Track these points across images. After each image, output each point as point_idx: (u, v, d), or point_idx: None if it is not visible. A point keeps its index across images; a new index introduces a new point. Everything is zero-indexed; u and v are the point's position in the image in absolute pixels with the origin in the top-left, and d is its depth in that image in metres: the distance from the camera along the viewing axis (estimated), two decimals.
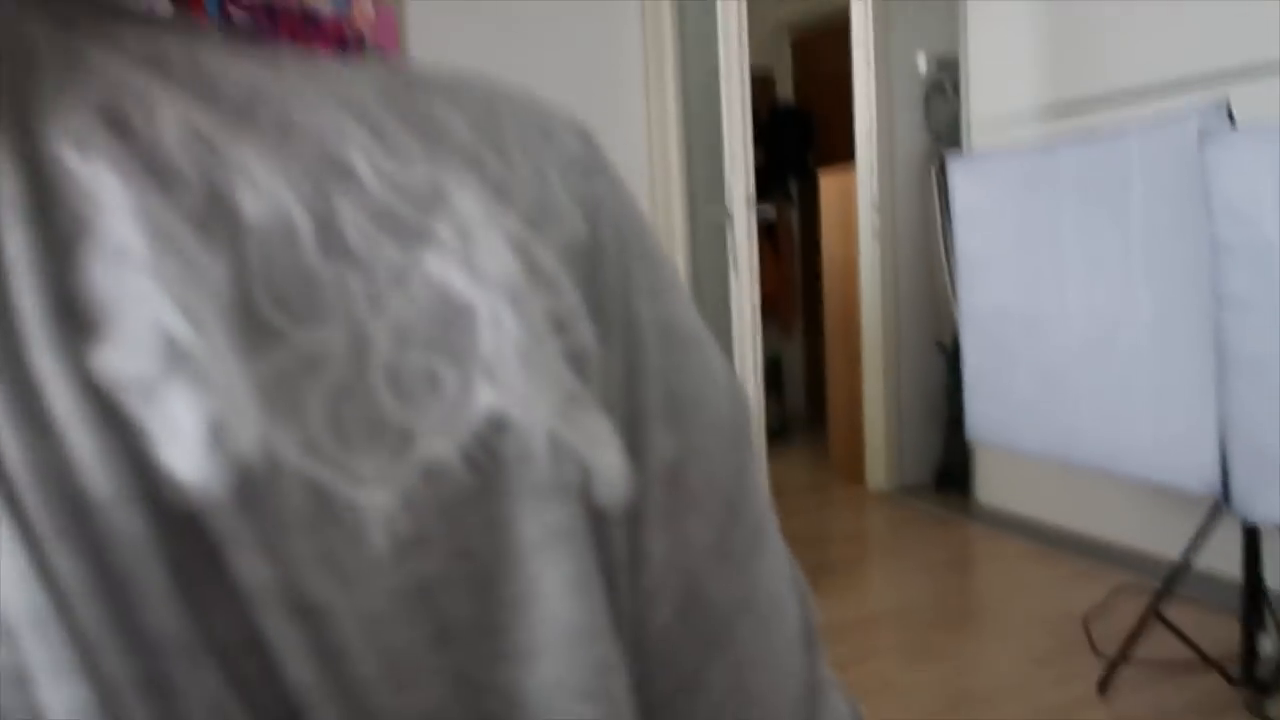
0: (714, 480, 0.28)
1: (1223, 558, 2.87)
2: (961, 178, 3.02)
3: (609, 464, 0.24)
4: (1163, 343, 2.39)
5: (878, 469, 4.52)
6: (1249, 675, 2.50)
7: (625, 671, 0.24)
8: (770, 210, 5.17)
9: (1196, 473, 2.32)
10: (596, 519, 0.24)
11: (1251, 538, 2.47)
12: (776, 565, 0.31)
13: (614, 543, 0.25)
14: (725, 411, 0.29)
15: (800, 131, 5.81)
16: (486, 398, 0.23)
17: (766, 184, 5.58)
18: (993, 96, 3.79)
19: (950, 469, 4.33)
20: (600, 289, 0.26)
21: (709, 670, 0.28)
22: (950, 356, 3.98)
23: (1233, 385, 2.20)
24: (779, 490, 4.50)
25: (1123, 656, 2.58)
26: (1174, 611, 2.67)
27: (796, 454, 5.39)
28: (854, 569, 3.53)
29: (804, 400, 6.24)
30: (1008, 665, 2.75)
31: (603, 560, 0.25)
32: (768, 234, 5.90)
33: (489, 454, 0.23)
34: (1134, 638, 2.58)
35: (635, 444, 0.26)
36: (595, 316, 0.26)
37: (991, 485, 3.96)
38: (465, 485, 0.23)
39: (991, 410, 2.86)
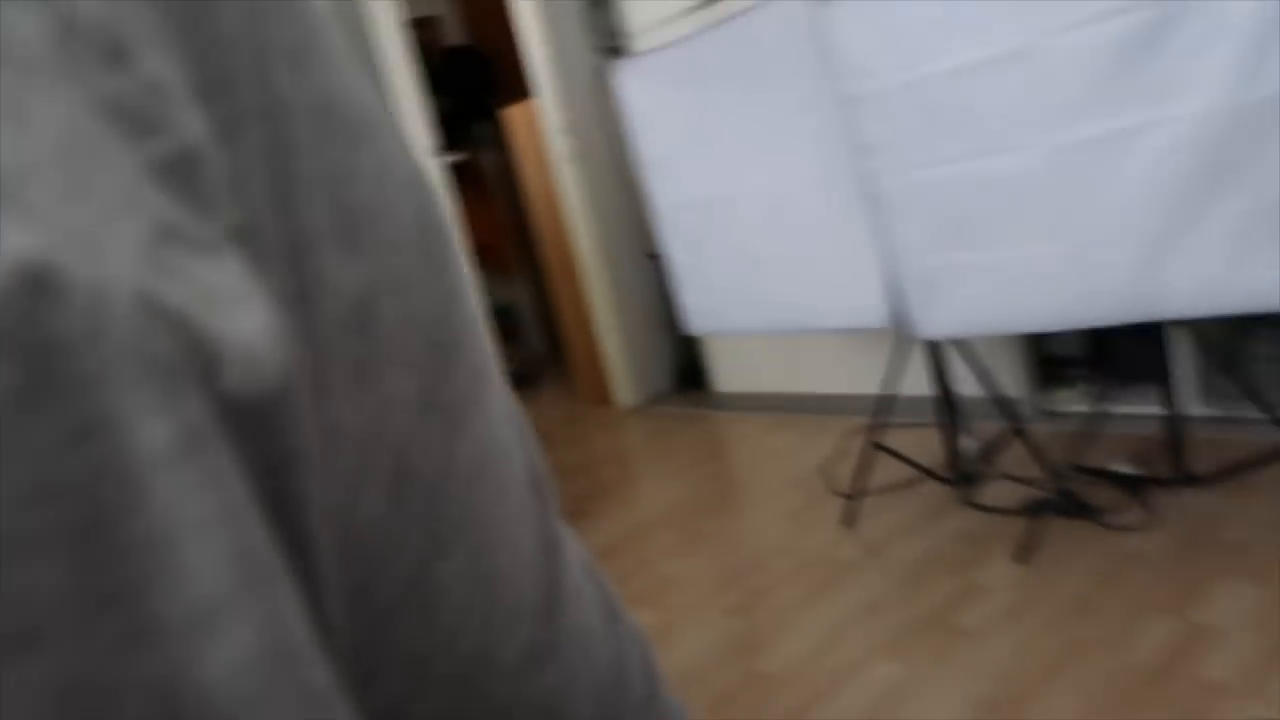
0: (414, 315, 0.22)
1: (921, 382, 3.25)
2: (626, 83, 3.10)
3: (242, 330, 0.16)
4: (827, 200, 2.61)
5: (623, 387, 4.67)
6: (958, 474, 2.83)
7: (321, 637, 0.18)
8: (458, 157, 5.09)
9: (874, 310, 2.58)
10: (241, 411, 0.17)
11: (935, 355, 2.77)
12: (499, 409, 0.26)
13: (281, 432, 0.18)
14: (416, 220, 0.22)
15: (480, 72, 5.74)
16: (13, 240, 0.14)
17: (458, 131, 5.50)
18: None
19: (688, 370, 4.55)
20: (214, 52, 0.18)
21: (440, 560, 0.23)
22: (661, 262, 4.11)
23: (884, 223, 2.45)
24: (535, 433, 4.55)
25: (857, 491, 2.84)
26: (893, 438, 2.97)
27: (546, 396, 5.44)
28: (619, 486, 3.64)
29: (545, 342, 6.30)
30: (768, 529, 2.96)
31: (266, 461, 0.17)
32: (471, 183, 5.84)
33: (32, 330, 0.14)
34: (862, 472, 2.84)
35: (300, 282, 0.19)
36: (207, 96, 0.18)
37: (725, 374, 4.19)
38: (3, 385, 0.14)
39: (700, 301, 3.02)
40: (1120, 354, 2.87)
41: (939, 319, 2.43)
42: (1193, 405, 2.73)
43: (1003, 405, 2.69)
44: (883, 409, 2.81)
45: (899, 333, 2.66)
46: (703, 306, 3.02)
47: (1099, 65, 1.95)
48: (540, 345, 6.31)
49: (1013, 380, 3.07)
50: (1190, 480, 2.45)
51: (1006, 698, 1.89)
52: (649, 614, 2.60)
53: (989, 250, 2.25)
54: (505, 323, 5.92)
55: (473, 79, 5.67)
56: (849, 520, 2.81)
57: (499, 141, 5.37)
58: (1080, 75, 1.98)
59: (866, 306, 2.58)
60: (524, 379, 5.84)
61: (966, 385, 3.02)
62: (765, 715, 2.03)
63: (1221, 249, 1.88)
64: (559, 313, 4.91)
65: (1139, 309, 2.06)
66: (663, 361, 4.69)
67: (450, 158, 3.21)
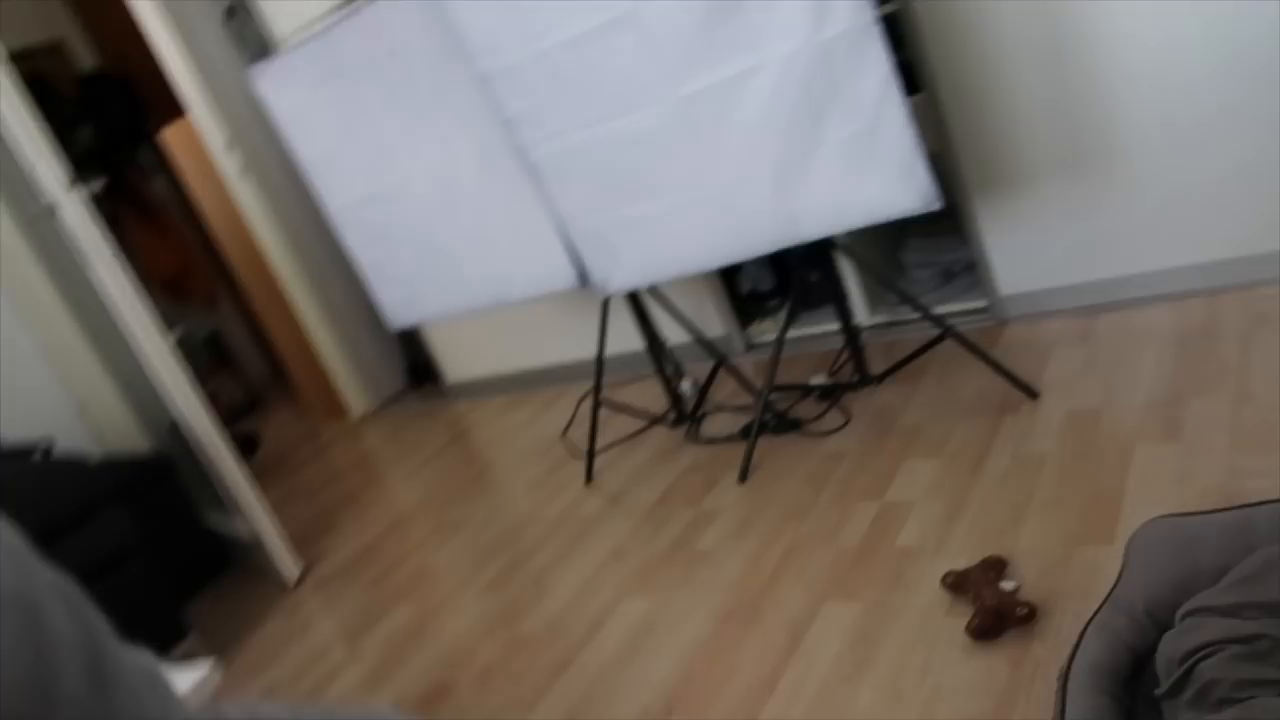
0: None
1: (634, 336, 3.39)
2: (268, 87, 2.96)
3: None
4: (490, 177, 2.66)
5: (353, 395, 4.57)
6: (680, 415, 3.00)
7: None
8: (99, 184, 4.70)
9: (563, 273, 2.67)
10: None
11: (637, 308, 2.92)
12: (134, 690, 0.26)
13: None
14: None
15: (122, 97, 5.32)
16: None
17: (115, 159, 5.10)
18: (287, 2, 3.75)
19: (417, 366, 4.51)
20: None
21: None
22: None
23: (550, 191, 2.55)
24: (273, 460, 4.38)
25: (592, 450, 2.94)
26: (619, 394, 3.09)
27: (276, 418, 5.23)
28: (365, 492, 3.57)
29: (264, 365, 6.02)
30: (517, 503, 3.00)
31: None
32: (143, 213, 5.43)
33: None
34: (593, 432, 2.95)
35: None
36: None
37: (453, 364, 4.17)
38: None
39: (396, 295, 2.99)
40: (801, 284, 3.16)
41: (619, 273, 2.55)
42: (864, 315, 3.06)
43: (709, 345, 2.88)
44: (600, 369, 2.93)
45: (591, 292, 2.77)
46: (400, 300, 2.99)
47: (692, 24, 2.13)
48: (260, 368, 6.01)
49: (715, 321, 3.28)
50: (871, 380, 2.75)
51: (743, 602, 2.06)
52: (410, 608, 2.59)
53: (645, 203, 2.41)
54: (216, 352, 5.59)
55: (116, 104, 5.25)
56: (589, 476, 2.91)
57: (165, 166, 5.02)
58: (679, 34, 2.16)
59: (555, 271, 2.65)
60: (249, 407, 5.55)
61: (675, 333, 3.23)
62: (532, 674, 2.10)
63: (835, 173, 2.13)
64: (272, 333, 4.70)
65: (782, 237, 2.29)
66: (389, 362, 4.62)
67: (90, 185, 2.95)
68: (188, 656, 2.59)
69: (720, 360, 2.86)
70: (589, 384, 3.53)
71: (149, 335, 2.75)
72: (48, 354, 3.32)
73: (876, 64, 2.00)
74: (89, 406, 3.40)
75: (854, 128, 2.06)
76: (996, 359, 2.45)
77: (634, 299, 2.88)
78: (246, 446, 4.00)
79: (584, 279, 2.65)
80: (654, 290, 2.86)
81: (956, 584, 1.85)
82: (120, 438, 3.43)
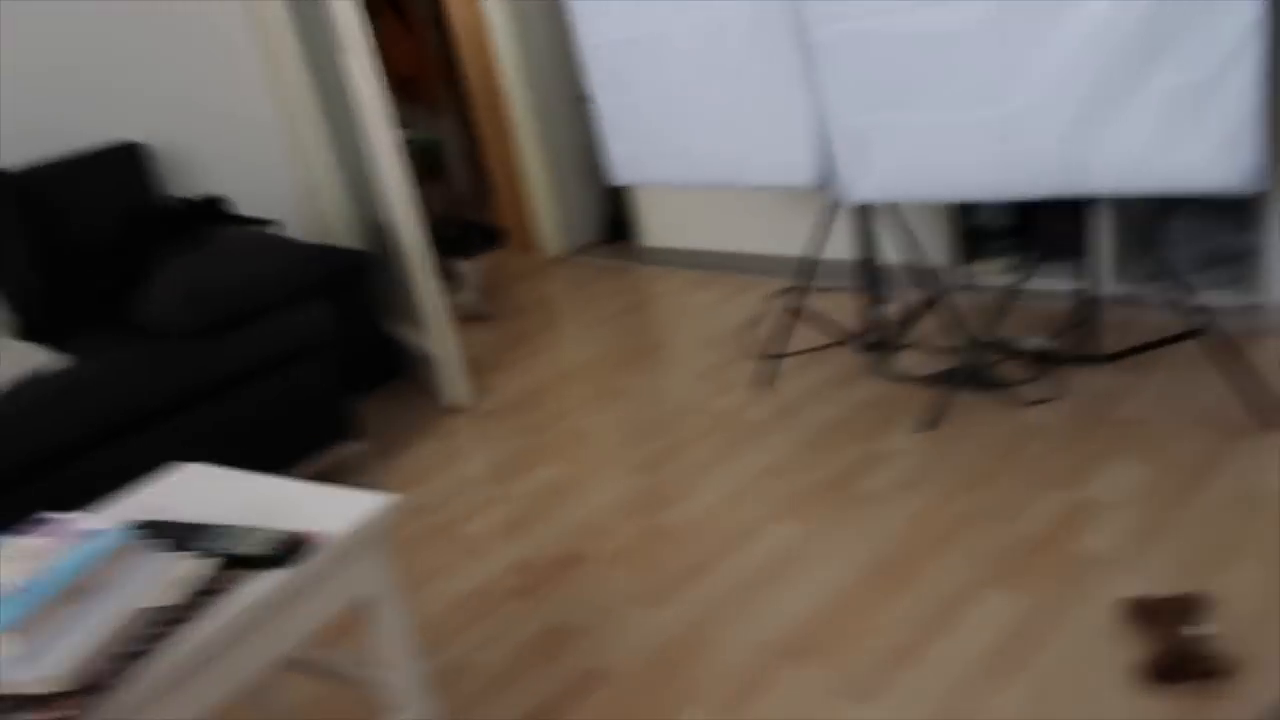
0: None
1: (846, 246, 3.20)
2: None
3: None
4: (757, 50, 2.46)
5: (549, 235, 4.54)
6: (873, 341, 2.80)
7: None
8: None
9: (802, 169, 2.48)
10: None
11: (862, 220, 2.70)
12: None
13: None
14: None
15: None
16: None
17: None
18: None
19: (616, 221, 4.47)
20: None
21: None
22: (590, 107, 3.88)
23: (820, 78, 2.33)
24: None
25: (773, 354, 2.79)
26: (813, 302, 2.91)
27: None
28: (544, 335, 3.58)
29: (470, 183, 6.08)
30: (682, 388, 2.92)
31: None
32: (393, 10, 5.48)
33: None
34: (778, 335, 2.79)
35: None
36: None
37: (653, 228, 4.09)
38: None
39: (626, 149, 2.88)
40: (1042, 228, 2.85)
41: (867, 182, 2.35)
42: (1107, 283, 2.75)
43: (924, 274, 2.65)
44: (805, 272, 2.74)
45: (826, 194, 2.57)
46: (629, 155, 2.88)
47: None
48: (465, 186, 6.09)
49: (937, 250, 3.05)
50: (1096, 357, 2.48)
51: (898, 560, 1.94)
52: (561, 467, 2.60)
53: (920, 112, 2.16)
54: (431, 161, 5.67)
55: None
56: (762, 383, 2.79)
57: None
58: None
59: (795, 164, 2.48)
60: (459, 238, 5.62)
61: (890, 252, 3.04)
62: (662, 571, 2.06)
63: (1149, 126, 1.83)
64: (487, 153, 4.71)
65: (1064, 184, 2.02)
66: (591, 211, 4.58)
67: None
68: (355, 456, 2.69)
69: (935, 294, 2.61)
70: (784, 281, 3.46)
71: (381, 131, 2.76)
72: (289, 134, 3.40)
73: (1242, 8, 1.67)
74: (317, 193, 3.48)
75: (1188, 78, 1.75)
76: (1250, 370, 2.14)
77: (861, 208, 2.67)
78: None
79: (825, 180, 2.44)
80: (890, 204, 2.62)
81: (1141, 611, 1.67)
82: (336, 231, 3.50)
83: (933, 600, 1.81)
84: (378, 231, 3.12)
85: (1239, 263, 2.61)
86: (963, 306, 2.88)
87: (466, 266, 3.88)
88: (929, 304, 2.71)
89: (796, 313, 2.76)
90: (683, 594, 1.97)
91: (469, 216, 5.23)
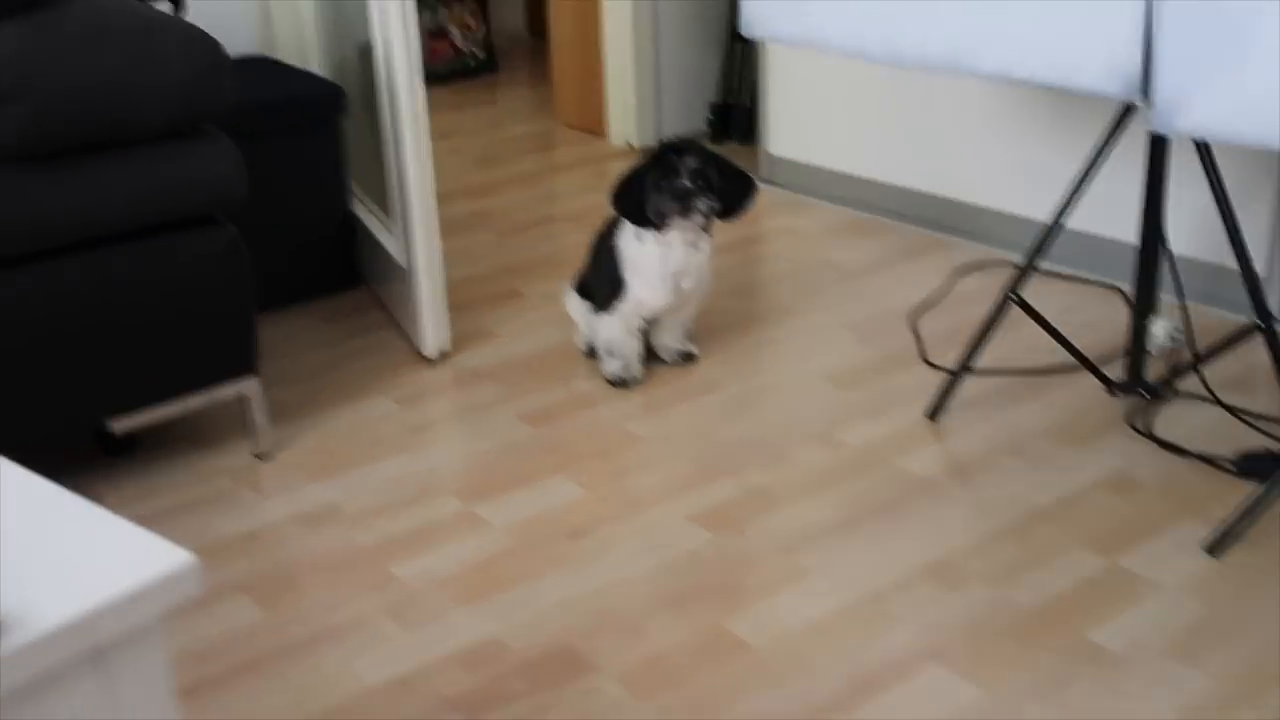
0: None
1: (1093, 218, 3.01)
2: None
3: None
4: None
5: (624, 116, 4.35)
6: (1135, 376, 2.47)
7: None
8: None
9: (1103, 64, 2.06)
10: None
11: (1156, 171, 2.29)
12: None
13: None
14: None
15: None
16: None
17: None
18: None
19: (731, 110, 4.32)
20: None
21: None
22: None
23: None
24: (478, 153, 4.22)
25: (960, 367, 2.47)
26: (1034, 292, 2.56)
27: (508, 93, 5.17)
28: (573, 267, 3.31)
29: (523, 18, 6.00)
30: (801, 394, 2.65)
31: None
32: None
33: None
34: (979, 338, 2.44)
35: None
36: None
37: (785, 129, 3.88)
38: None
39: None
40: None
41: (1205, 101, 1.91)
42: None
43: (1250, 286, 2.27)
44: (1042, 243, 2.39)
45: (1125, 113, 2.24)
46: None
47: None
48: (519, 21, 5.98)
49: (1257, 244, 2.75)
50: None
51: None
52: (577, 488, 2.30)
53: None
54: None
55: None
56: (935, 412, 2.50)
57: None
58: None
59: (1095, 55, 2.07)
60: (481, 67, 5.39)
61: (1186, 239, 2.76)
62: (729, 716, 1.67)
63: None
64: None
65: None
66: (696, 92, 4.40)
67: None
68: (255, 404, 2.42)
69: (1258, 321, 2.28)
70: (994, 253, 3.32)
71: None
72: None
73: None
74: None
75: None
76: None
77: (1157, 155, 2.28)
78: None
79: (1130, 87, 2.04)
80: (1207, 151, 2.23)
81: None
82: (295, 51, 3.40)
83: None
84: (366, 55, 2.91)
85: None
86: None
87: None
88: (1243, 334, 2.37)
89: (1014, 303, 2.42)
90: None
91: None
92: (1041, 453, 2.33)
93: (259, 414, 2.40)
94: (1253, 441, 2.31)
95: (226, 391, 2.38)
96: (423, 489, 2.31)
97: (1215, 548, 2.00)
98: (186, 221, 2.28)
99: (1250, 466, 2.21)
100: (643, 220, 2.51)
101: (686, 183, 2.49)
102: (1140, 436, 2.36)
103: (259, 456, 2.40)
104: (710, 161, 2.56)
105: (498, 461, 2.40)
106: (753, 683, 1.79)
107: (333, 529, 2.18)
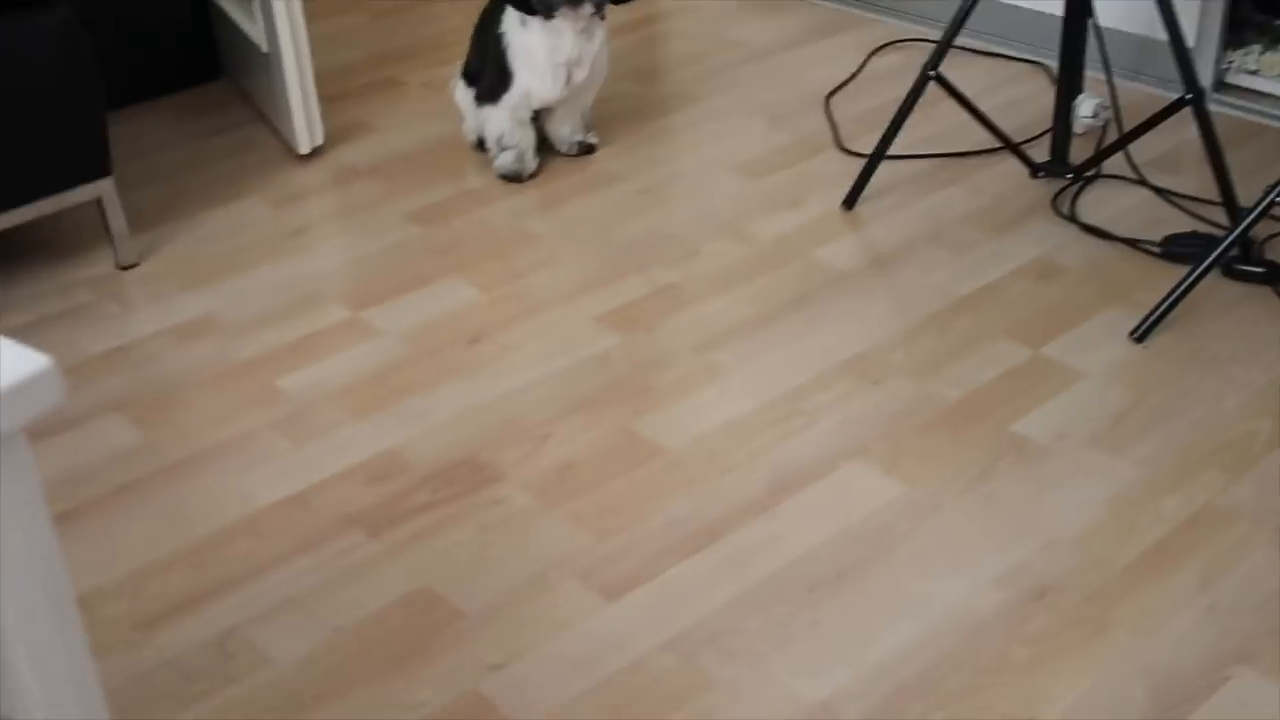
0: None
1: None
2: None
3: None
4: None
5: None
6: (1059, 157, 2.50)
7: None
8: None
9: None
10: None
11: None
12: None
13: None
14: None
15: None
16: None
17: None
18: None
19: None
20: None
21: None
22: None
23: None
24: None
25: (877, 153, 2.44)
26: (954, 68, 2.52)
27: None
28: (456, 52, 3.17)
29: None
30: (715, 186, 2.62)
31: None
32: None
33: None
34: (896, 120, 2.40)
35: None
36: None
37: None
38: None
39: None
40: None
41: None
42: None
43: (1179, 56, 2.26)
44: (962, 17, 2.36)
45: None
46: None
47: None
48: None
49: (1188, 22, 2.70)
50: None
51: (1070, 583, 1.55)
52: (471, 290, 2.27)
53: None
54: None
55: None
56: (852, 202, 2.48)
57: None
58: None
59: None
60: None
61: (1113, 9, 2.75)
62: (639, 520, 1.70)
63: None
64: None
65: None
66: None
67: None
68: (110, 209, 2.31)
69: (1191, 95, 2.26)
70: (903, 25, 3.27)
71: None
72: None
73: None
74: None
75: None
76: None
77: None
78: None
79: None
80: None
81: None
82: None
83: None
84: None
85: None
86: (1225, 125, 2.53)
87: None
88: (1172, 109, 2.36)
89: (934, 82, 2.39)
90: (666, 582, 1.64)
91: None
92: (963, 240, 2.35)
93: (117, 220, 2.29)
94: (1180, 224, 2.33)
95: (80, 195, 2.26)
96: (305, 297, 2.24)
97: (1141, 334, 2.03)
98: (10, 2, 2.13)
99: (1177, 249, 2.24)
100: (527, 6, 2.36)
101: None
102: (1065, 221, 2.38)
103: (122, 267, 2.30)
104: None
105: (385, 265, 2.33)
106: (668, 486, 1.80)
107: (209, 342, 2.11)
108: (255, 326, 2.15)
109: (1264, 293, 2.12)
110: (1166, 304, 2.03)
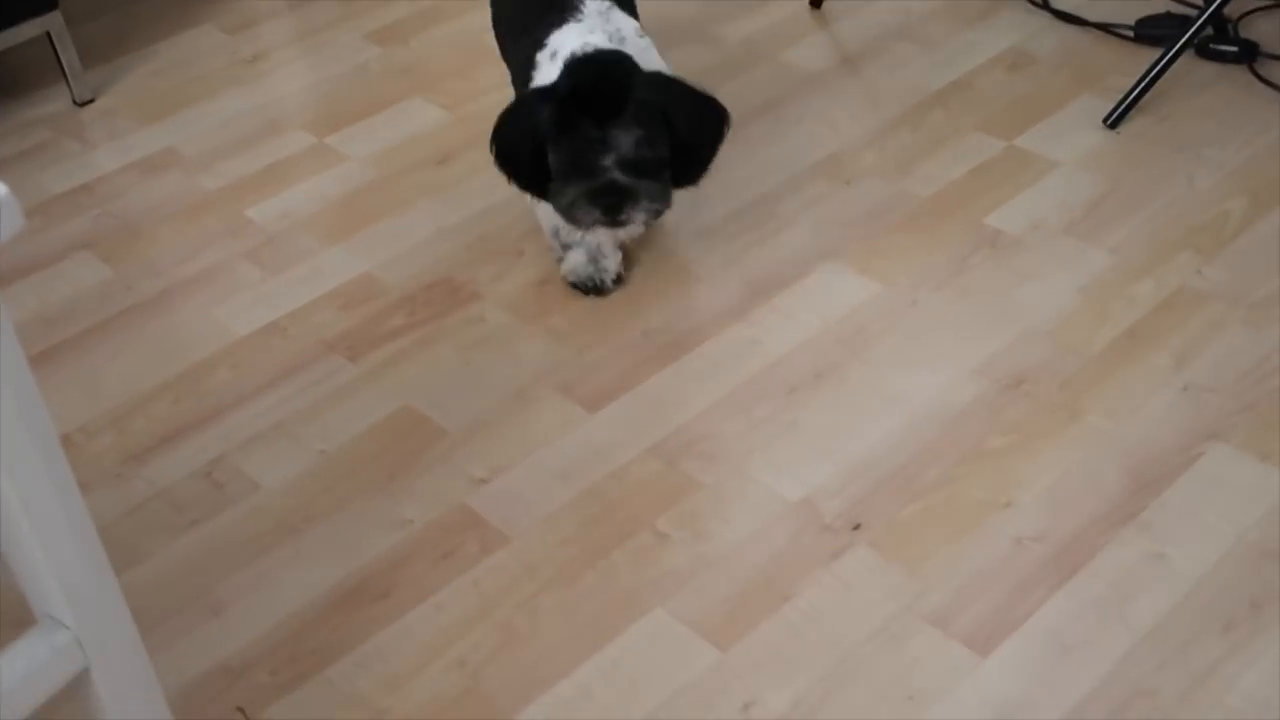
0: None
1: None
2: None
3: None
4: None
5: None
6: None
7: None
8: None
9: None
10: None
11: None
12: None
13: None
14: None
15: None
16: None
17: None
18: None
19: None
20: None
21: None
22: None
23: None
24: None
25: None
26: None
27: None
28: None
29: None
30: None
31: None
32: None
33: None
34: None
35: None
36: None
37: None
38: None
39: None
40: None
41: None
42: None
43: None
44: None
45: None
46: None
47: None
48: None
49: None
50: None
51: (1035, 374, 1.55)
52: (439, 108, 2.15)
53: None
54: None
55: None
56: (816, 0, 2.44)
57: None
58: None
59: None
60: None
61: None
62: (612, 330, 1.66)
63: None
64: None
65: None
66: None
67: None
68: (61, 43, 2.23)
69: None
70: None
71: None
72: None
73: None
74: None
75: None
76: None
77: None
78: None
79: None
80: None
81: None
82: None
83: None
84: None
85: None
86: None
87: None
88: None
89: None
90: (646, 391, 1.64)
91: None
92: (933, 34, 2.29)
93: (69, 54, 2.21)
94: (1154, 6, 2.27)
95: (28, 30, 2.18)
96: (268, 124, 2.18)
97: (1114, 120, 1.99)
98: None
99: (1149, 31, 2.18)
100: (541, 189, 1.64)
101: (616, 176, 1.54)
102: (1036, 8, 2.32)
103: (79, 103, 2.24)
104: (654, 122, 1.55)
105: (347, 88, 2.27)
106: (644, 297, 1.79)
107: (173, 175, 2.07)
108: (219, 157, 2.10)
109: (1239, 72, 2.08)
110: (1139, 88, 1.99)
